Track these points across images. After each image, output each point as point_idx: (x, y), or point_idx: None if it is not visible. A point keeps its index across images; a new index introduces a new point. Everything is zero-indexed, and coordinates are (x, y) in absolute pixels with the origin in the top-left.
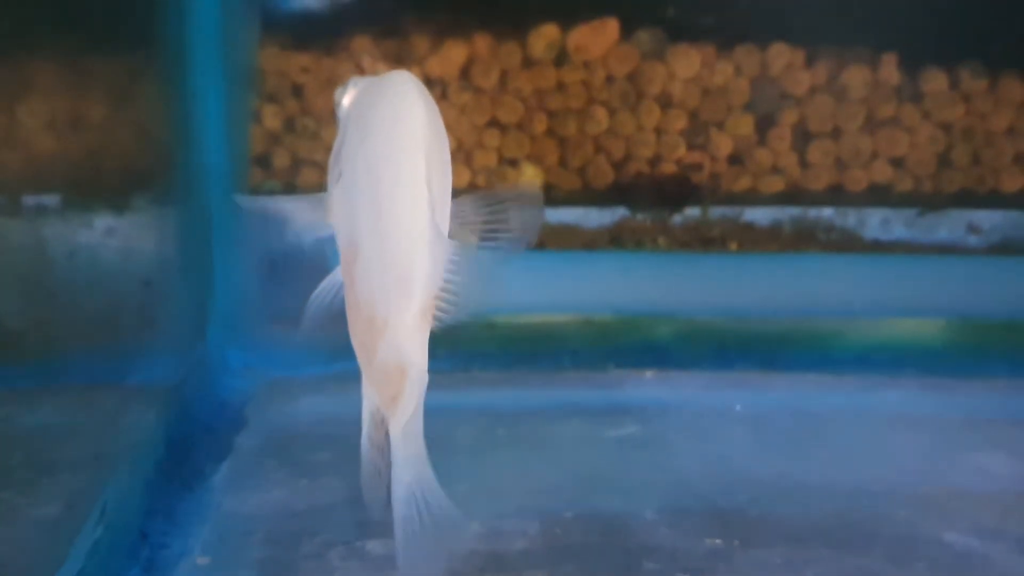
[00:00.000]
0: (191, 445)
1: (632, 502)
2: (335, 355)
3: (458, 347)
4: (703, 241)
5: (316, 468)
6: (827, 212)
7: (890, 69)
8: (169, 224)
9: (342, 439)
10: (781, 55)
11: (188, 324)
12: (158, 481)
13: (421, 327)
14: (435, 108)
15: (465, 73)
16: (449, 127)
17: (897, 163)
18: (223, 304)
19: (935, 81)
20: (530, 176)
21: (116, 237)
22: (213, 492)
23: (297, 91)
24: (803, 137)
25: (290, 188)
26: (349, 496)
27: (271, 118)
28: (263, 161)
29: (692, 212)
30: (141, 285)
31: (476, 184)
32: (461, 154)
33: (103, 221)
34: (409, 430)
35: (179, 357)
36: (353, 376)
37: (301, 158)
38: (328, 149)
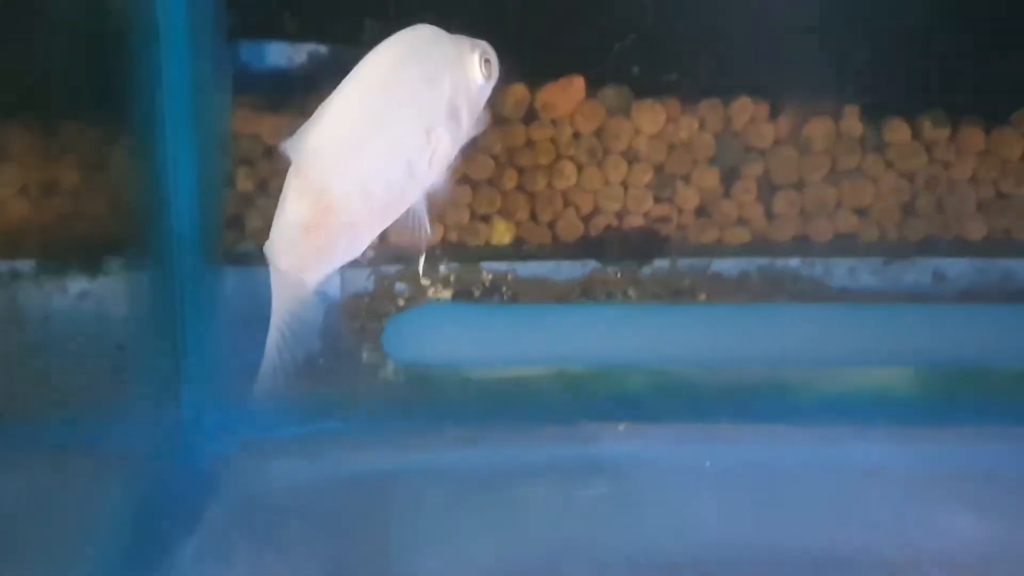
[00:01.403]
0: (159, 517)
1: (601, 571)
2: (309, 415)
3: (432, 403)
4: (672, 292)
5: (284, 542)
6: (794, 262)
7: (852, 121)
8: (142, 287)
9: (312, 511)
10: (745, 109)
11: (161, 388)
12: (123, 561)
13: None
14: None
15: None
16: None
17: (862, 213)
18: (197, 366)
19: (897, 131)
20: (501, 231)
21: (89, 301)
22: (178, 570)
23: (269, 153)
24: (768, 189)
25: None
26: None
27: (244, 180)
28: (236, 223)
29: (661, 264)
30: (114, 349)
31: (448, 239)
32: (433, 211)
33: (77, 285)
34: None
35: (151, 422)
36: (326, 439)
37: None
38: None
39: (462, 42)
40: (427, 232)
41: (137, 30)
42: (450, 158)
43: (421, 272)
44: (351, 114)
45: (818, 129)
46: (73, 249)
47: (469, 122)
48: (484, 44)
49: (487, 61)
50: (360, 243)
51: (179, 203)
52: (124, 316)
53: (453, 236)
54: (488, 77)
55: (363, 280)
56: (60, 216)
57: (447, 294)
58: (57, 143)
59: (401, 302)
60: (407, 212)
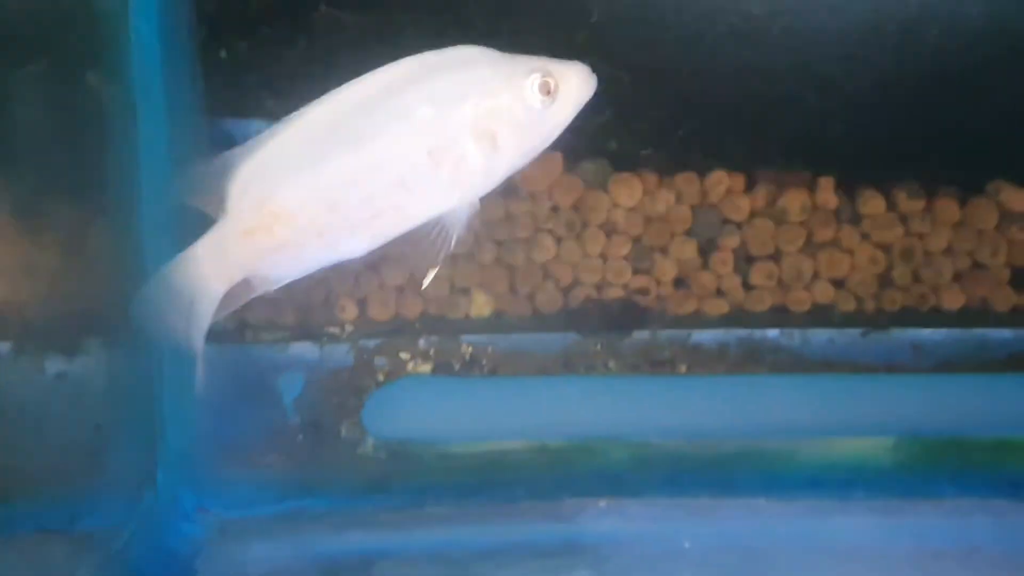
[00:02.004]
0: None
1: None
2: (287, 493)
3: (412, 479)
4: (653, 364)
5: None
6: (772, 333)
7: (827, 193)
8: (120, 367)
9: None
10: (720, 182)
11: (138, 468)
12: None
13: None
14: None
15: None
16: (398, 259)
17: (839, 284)
18: (174, 445)
19: (872, 203)
20: (481, 304)
21: (67, 382)
22: None
23: None
24: (745, 260)
25: (242, 325)
26: None
27: None
28: None
29: (641, 335)
30: (92, 430)
31: (428, 312)
32: (414, 283)
33: (54, 366)
34: None
35: (129, 504)
36: (304, 517)
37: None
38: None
39: (518, 64)
40: (448, 248)
41: (115, 110)
42: (492, 179)
43: (423, 287)
44: (313, 128)
45: (793, 201)
46: (51, 330)
47: (519, 146)
48: (550, 67)
49: (547, 84)
50: (340, 249)
51: None
52: (102, 396)
53: (433, 309)
54: (550, 102)
55: (343, 354)
56: (38, 297)
57: (427, 368)
58: (35, 223)
59: (381, 376)
60: (435, 224)
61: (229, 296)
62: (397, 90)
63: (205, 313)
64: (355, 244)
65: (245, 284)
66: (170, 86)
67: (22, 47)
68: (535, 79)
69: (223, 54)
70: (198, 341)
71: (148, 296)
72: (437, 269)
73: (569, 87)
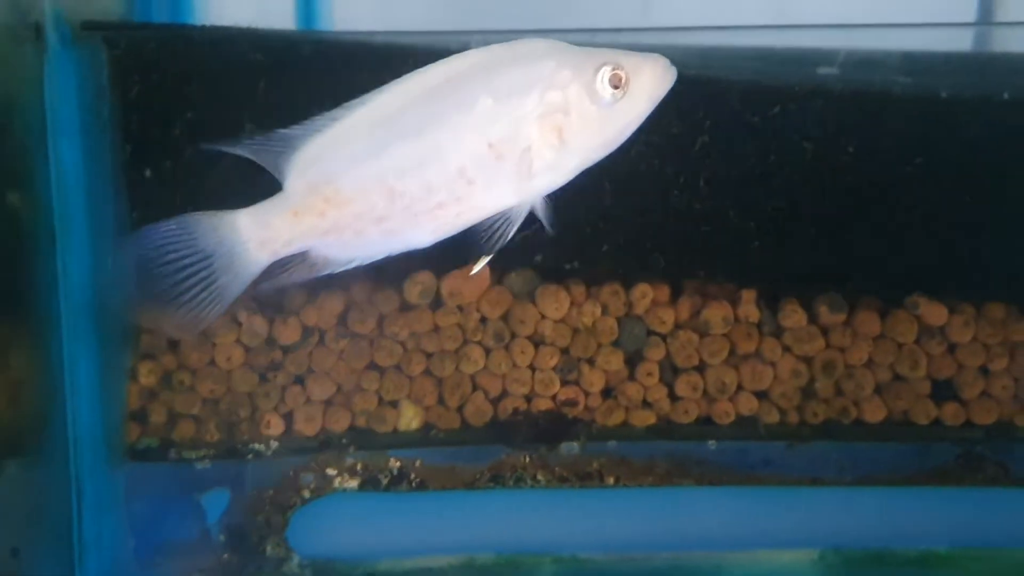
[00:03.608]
0: None
1: None
2: None
3: None
4: (581, 476)
5: None
6: (698, 445)
7: (749, 305)
8: (39, 488)
9: None
10: (645, 294)
11: None
12: None
13: None
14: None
15: (342, 320)
16: (327, 372)
17: (762, 396)
18: (94, 567)
19: (793, 316)
20: (410, 416)
21: None
22: None
23: (173, 346)
24: (671, 371)
25: (166, 444)
26: None
27: (147, 375)
28: (139, 417)
29: (569, 448)
30: (8, 554)
31: (356, 426)
32: (341, 396)
33: None
34: None
35: None
36: None
37: (178, 412)
38: (204, 402)
39: (587, 57)
40: (504, 239)
41: (36, 230)
42: (561, 173)
43: (471, 272)
44: (374, 116)
45: (716, 313)
46: None
47: (589, 141)
48: (623, 60)
49: (618, 76)
50: (403, 238)
51: (78, 400)
52: (20, 519)
53: (361, 422)
54: (621, 95)
55: (268, 472)
56: None
57: (354, 483)
58: None
59: (307, 493)
60: (501, 215)
61: (286, 269)
62: (461, 81)
63: (241, 278)
64: (419, 234)
65: (304, 260)
66: (92, 205)
67: None
68: (605, 71)
69: (148, 173)
70: (222, 303)
71: (154, 240)
72: (490, 258)
73: (643, 80)
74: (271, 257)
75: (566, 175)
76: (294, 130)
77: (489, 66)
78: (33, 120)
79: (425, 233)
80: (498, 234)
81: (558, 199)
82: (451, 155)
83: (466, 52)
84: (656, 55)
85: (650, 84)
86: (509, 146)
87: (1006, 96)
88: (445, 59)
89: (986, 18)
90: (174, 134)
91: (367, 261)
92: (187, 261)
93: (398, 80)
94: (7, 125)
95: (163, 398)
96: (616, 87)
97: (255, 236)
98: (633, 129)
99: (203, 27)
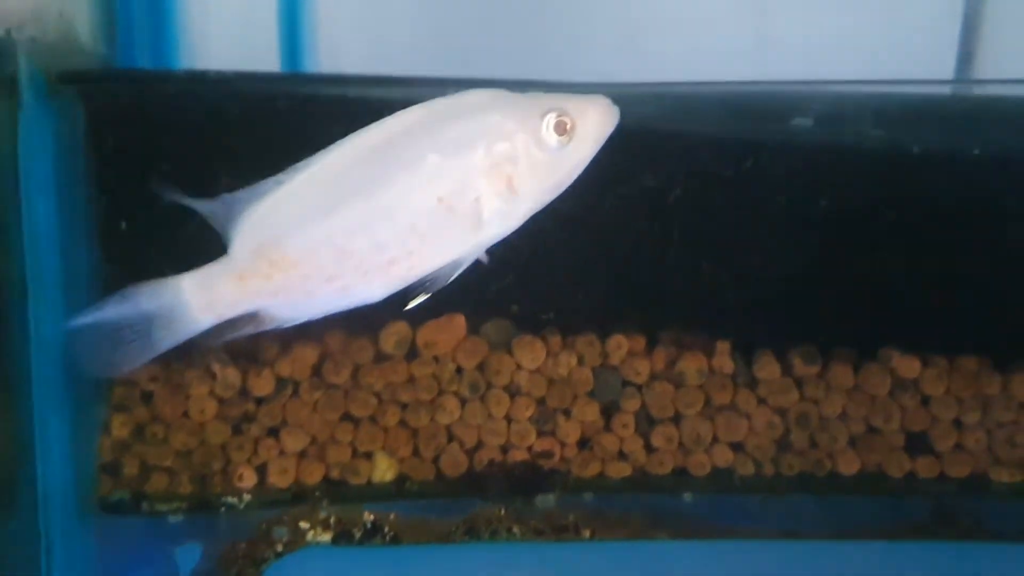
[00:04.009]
0: None
1: None
2: None
3: None
4: (557, 529)
5: None
6: (674, 498)
7: (724, 357)
8: (9, 543)
9: None
10: (620, 345)
11: None
12: None
13: None
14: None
15: (317, 371)
16: (301, 424)
17: (737, 447)
18: None
19: (768, 368)
20: (384, 468)
21: None
22: None
23: (146, 398)
24: (646, 422)
25: (139, 496)
26: None
27: (120, 427)
28: (112, 469)
29: (545, 500)
30: None
31: (330, 478)
32: (315, 448)
33: None
34: None
35: None
36: None
37: (150, 465)
38: (177, 455)
39: (532, 104)
40: (447, 281)
41: (7, 285)
42: (513, 220)
43: (406, 307)
44: (321, 176)
45: (691, 365)
46: None
47: (538, 187)
48: (567, 105)
49: (563, 124)
50: (354, 295)
51: (49, 454)
52: None
53: (335, 474)
54: (567, 140)
55: (241, 525)
56: None
57: (327, 537)
58: None
59: (280, 547)
60: (451, 263)
61: (232, 326)
62: (407, 138)
63: (180, 336)
64: (370, 290)
65: (251, 318)
66: (66, 258)
67: None
68: (551, 119)
69: (123, 225)
70: (153, 353)
71: (102, 318)
72: (426, 297)
73: (588, 123)
74: (216, 319)
75: (517, 221)
76: (239, 193)
77: (435, 121)
78: (6, 174)
79: (377, 288)
80: (442, 278)
81: (533, 247)
82: (401, 212)
83: (411, 108)
84: (599, 96)
85: (595, 126)
86: (459, 199)
87: (976, 152)
88: (391, 116)
89: (966, 62)
90: (149, 186)
91: (316, 316)
92: (130, 325)
93: (345, 139)
94: None
95: (136, 450)
96: (562, 133)
97: (199, 299)
98: (581, 170)
99: (179, 77)
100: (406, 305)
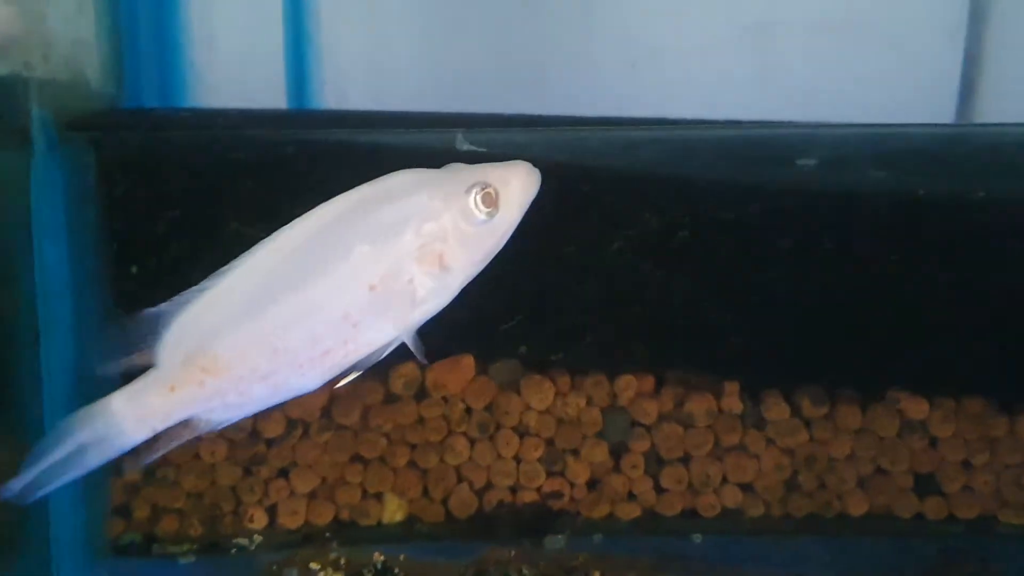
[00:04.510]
0: None
1: None
2: None
3: None
4: (567, 571)
5: None
6: (683, 539)
7: (732, 398)
8: None
9: None
10: (629, 386)
11: None
12: None
13: None
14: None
15: (326, 412)
16: (311, 465)
17: (746, 488)
18: None
19: (776, 409)
20: (393, 508)
21: None
22: None
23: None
24: (655, 463)
25: (150, 538)
26: None
27: (131, 471)
28: (123, 511)
29: (554, 541)
30: None
31: (340, 519)
32: (325, 489)
33: None
34: None
35: None
36: None
37: (161, 507)
38: (188, 496)
39: (456, 182)
40: (377, 359)
41: (18, 330)
42: (447, 294)
43: (337, 384)
44: (248, 277)
45: (699, 406)
46: None
47: (470, 260)
48: (489, 177)
49: (489, 196)
50: (289, 388)
51: (59, 497)
52: None
53: (345, 515)
54: (494, 211)
55: (252, 566)
56: None
57: None
58: None
59: None
60: (385, 345)
61: (168, 436)
62: (334, 230)
63: (112, 453)
64: (306, 381)
65: (185, 425)
66: (77, 304)
67: None
68: (476, 193)
69: (134, 270)
70: (84, 471)
71: (45, 448)
72: (358, 375)
73: (511, 192)
74: (150, 432)
75: (451, 295)
76: (161, 306)
77: (360, 209)
78: (18, 222)
79: (312, 380)
80: (374, 358)
81: (540, 289)
82: (333, 304)
83: (335, 198)
84: (518, 162)
85: (519, 194)
86: (391, 283)
87: (982, 195)
88: (314, 209)
89: (967, 98)
90: (159, 232)
91: (249, 415)
92: (69, 455)
93: (266, 239)
94: None
95: (146, 493)
96: (489, 205)
97: (130, 415)
98: (509, 235)
99: (190, 121)
100: (337, 383)
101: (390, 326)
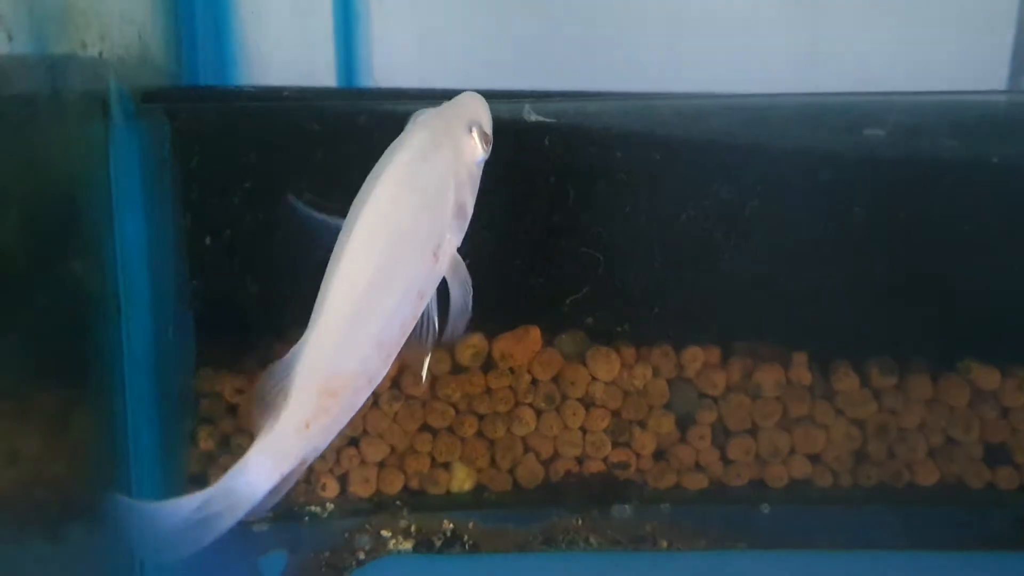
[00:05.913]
0: None
1: None
2: None
3: None
4: (634, 539)
5: None
6: (751, 509)
7: (801, 369)
8: (101, 554)
9: None
10: (696, 357)
11: None
12: None
13: None
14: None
15: (396, 382)
16: (381, 435)
17: (815, 459)
18: None
19: (845, 380)
20: (462, 478)
21: (50, 568)
22: None
23: (232, 410)
24: (723, 434)
25: None
26: None
27: (206, 439)
28: (199, 480)
29: (622, 510)
30: None
31: (409, 487)
32: (395, 458)
33: (36, 551)
34: None
35: None
36: None
37: None
38: None
39: (456, 124)
40: (435, 332)
41: (100, 299)
42: (461, 237)
43: (424, 378)
44: (351, 292)
45: (768, 377)
46: (31, 517)
47: (474, 198)
48: (478, 111)
49: (483, 134)
50: (378, 380)
51: (140, 465)
52: None
53: (414, 484)
54: (488, 148)
55: (324, 533)
56: (20, 483)
57: (408, 545)
58: (18, 408)
59: (362, 555)
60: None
61: (288, 478)
62: (400, 212)
63: (237, 516)
64: (387, 370)
65: (300, 464)
66: (154, 274)
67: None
68: (475, 134)
69: (208, 241)
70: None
71: (177, 522)
72: (430, 355)
73: (487, 125)
74: (277, 480)
75: (461, 238)
76: (284, 358)
77: (416, 177)
78: (98, 193)
79: (390, 366)
80: (429, 331)
81: (608, 260)
82: (412, 286)
83: (377, 188)
84: (468, 93)
85: (489, 123)
86: (441, 246)
87: None
88: (365, 184)
89: (1020, 69)
90: (233, 202)
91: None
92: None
93: (337, 256)
94: (74, 199)
95: (222, 462)
96: (486, 143)
97: (264, 470)
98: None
99: (262, 95)
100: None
101: (430, 291)
